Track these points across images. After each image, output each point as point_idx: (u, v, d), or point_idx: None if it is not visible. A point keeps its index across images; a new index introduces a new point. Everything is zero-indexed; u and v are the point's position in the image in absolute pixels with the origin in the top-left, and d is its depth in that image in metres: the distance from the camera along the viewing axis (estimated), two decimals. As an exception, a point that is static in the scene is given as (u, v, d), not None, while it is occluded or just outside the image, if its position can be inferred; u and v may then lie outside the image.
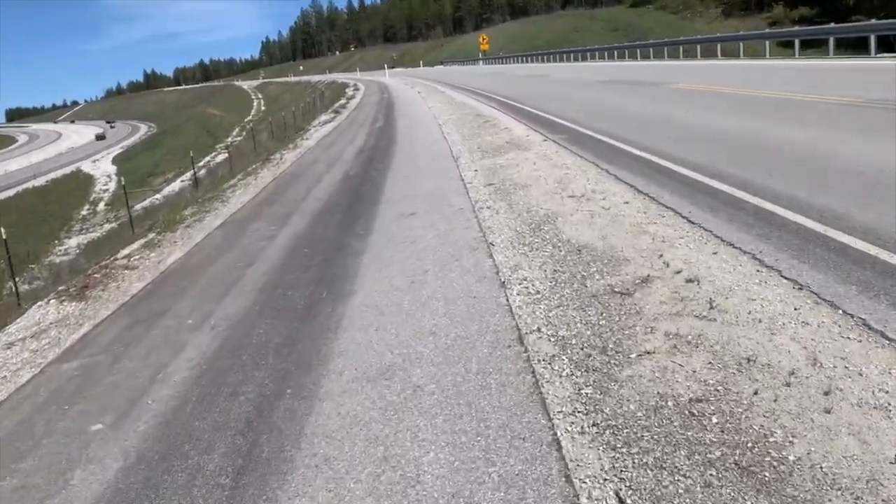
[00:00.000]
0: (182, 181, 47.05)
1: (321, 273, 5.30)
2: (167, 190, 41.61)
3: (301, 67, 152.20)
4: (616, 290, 4.04)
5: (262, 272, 5.56)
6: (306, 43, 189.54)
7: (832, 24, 19.94)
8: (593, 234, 5.21)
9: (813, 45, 23.43)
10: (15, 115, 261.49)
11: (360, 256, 5.63)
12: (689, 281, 4.02)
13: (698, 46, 26.88)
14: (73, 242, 42.39)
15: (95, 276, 6.28)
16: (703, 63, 23.92)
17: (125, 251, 7.28)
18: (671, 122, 10.33)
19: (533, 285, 4.35)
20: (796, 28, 21.50)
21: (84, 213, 56.43)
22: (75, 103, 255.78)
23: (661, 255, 4.51)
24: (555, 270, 4.53)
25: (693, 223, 5.12)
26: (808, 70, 15.97)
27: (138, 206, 47.03)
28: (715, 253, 4.42)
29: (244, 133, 67.60)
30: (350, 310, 4.39)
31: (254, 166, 12.72)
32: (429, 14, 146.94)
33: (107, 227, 43.09)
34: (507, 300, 4.16)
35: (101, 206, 59.23)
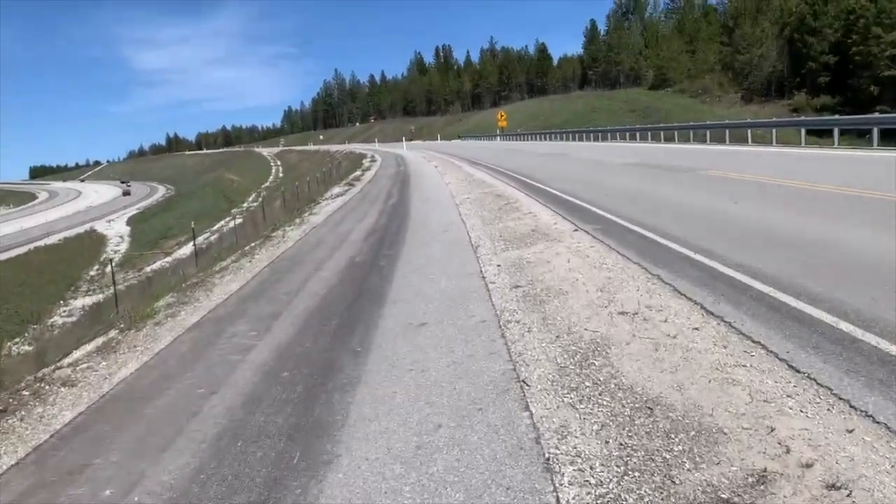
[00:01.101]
0: (193, 245, 46.37)
1: (298, 416, 3.99)
2: (178, 253, 41.07)
3: (321, 137, 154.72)
4: (723, 496, 2.71)
5: (225, 408, 4.26)
6: (327, 113, 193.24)
7: (877, 115, 19.00)
8: (663, 378, 3.90)
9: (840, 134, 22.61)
10: (39, 173, 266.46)
11: (352, 390, 4.32)
12: (831, 487, 2.69)
13: (727, 131, 26.05)
14: (78, 304, 41.62)
15: (24, 392, 5.01)
16: (734, 149, 22.98)
17: (76, 354, 6.03)
18: (720, 216, 9.14)
19: (592, 469, 3.02)
20: (837, 117, 20.64)
21: (93, 273, 55.89)
22: (97, 163, 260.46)
23: (771, 428, 3.19)
24: (621, 444, 3.21)
25: (798, 371, 3.81)
26: (857, 162, 14.88)
27: (148, 269, 46.50)
28: (850, 431, 3.10)
29: (260, 199, 67.55)
30: (326, 497, 3.06)
31: (252, 244, 11.58)
32: (448, 90, 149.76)
33: (114, 288, 42.26)
34: (557, 498, 2.83)
35: (111, 267, 58.68)
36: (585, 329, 4.98)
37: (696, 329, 4.71)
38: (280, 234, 12.53)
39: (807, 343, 4.19)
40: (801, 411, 3.35)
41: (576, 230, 9.27)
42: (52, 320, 35.16)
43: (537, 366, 4.37)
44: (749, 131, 24.23)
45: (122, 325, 6.73)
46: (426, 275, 7.64)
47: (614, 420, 3.47)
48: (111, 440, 3.97)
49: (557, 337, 4.90)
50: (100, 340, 6.34)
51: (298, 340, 5.55)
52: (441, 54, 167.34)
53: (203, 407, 4.30)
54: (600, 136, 43.67)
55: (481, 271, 7.45)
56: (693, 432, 3.23)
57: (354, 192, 21.85)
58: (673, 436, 3.22)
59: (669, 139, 32.79)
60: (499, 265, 7.67)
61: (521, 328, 5.23)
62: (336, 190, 23.32)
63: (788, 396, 3.52)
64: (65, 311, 39.16)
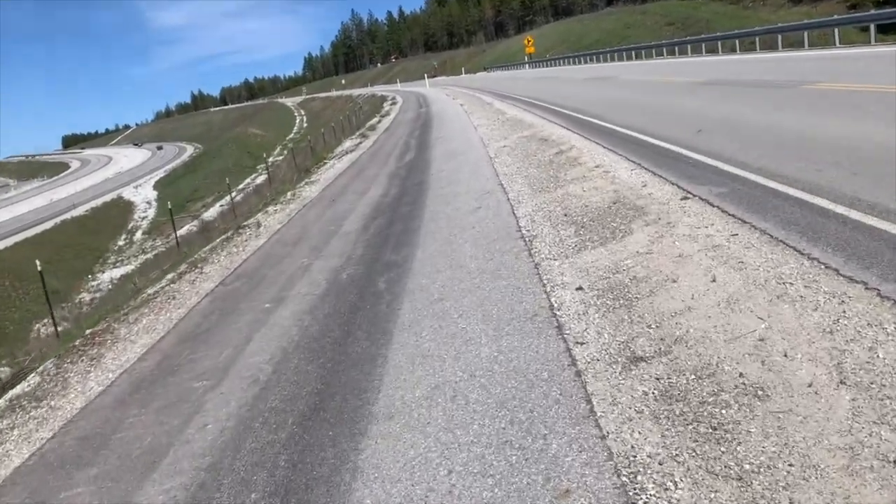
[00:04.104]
0: (220, 206, 44.24)
1: None
2: (205, 216, 39.21)
3: (343, 81, 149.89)
4: None
5: None
6: (348, 56, 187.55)
7: None
8: None
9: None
10: (71, 141, 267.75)
11: None
12: None
13: (779, 37, 21.89)
14: (106, 277, 40.00)
15: None
16: (816, 54, 18.75)
17: None
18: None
19: None
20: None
21: (121, 243, 54.25)
22: (126, 127, 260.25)
23: None
24: None
25: None
26: None
27: (178, 233, 44.77)
28: None
29: (285, 152, 64.53)
30: None
31: (214, 243, 8.35)
32: (469, 20, 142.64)
33: (141, 257, 40.59)
34: None
35: (139, 234, 57.02)
36: None
37: None
38: (254, 223, 9.24)
39: None
40: None
41: (685, 198, 5.79)
42: (80, 297, 33.38)
43: None
44: (805, 34, 19.99)
45: None
46: (451, 323, 4.31)
47: None
48: None
49: None
50: None
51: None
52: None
53: None
54: (643, 53, 38.95)
55: (551, 307, 4.11)
56: None
57: (367, 144, 18.40)
58: None
59: (711, 51, 29.07)
60: (579, 287, 4.31)
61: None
62: (347, 144, 19.89)
63: None
64: (93, 287, 37.40)
